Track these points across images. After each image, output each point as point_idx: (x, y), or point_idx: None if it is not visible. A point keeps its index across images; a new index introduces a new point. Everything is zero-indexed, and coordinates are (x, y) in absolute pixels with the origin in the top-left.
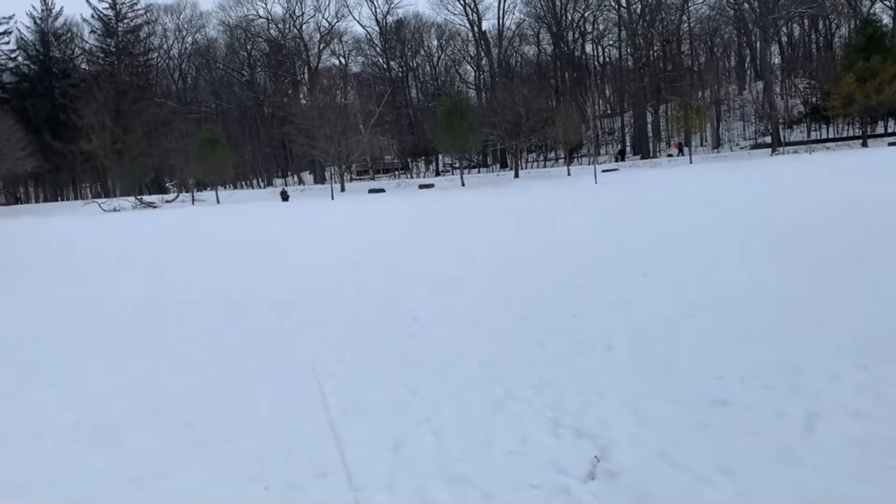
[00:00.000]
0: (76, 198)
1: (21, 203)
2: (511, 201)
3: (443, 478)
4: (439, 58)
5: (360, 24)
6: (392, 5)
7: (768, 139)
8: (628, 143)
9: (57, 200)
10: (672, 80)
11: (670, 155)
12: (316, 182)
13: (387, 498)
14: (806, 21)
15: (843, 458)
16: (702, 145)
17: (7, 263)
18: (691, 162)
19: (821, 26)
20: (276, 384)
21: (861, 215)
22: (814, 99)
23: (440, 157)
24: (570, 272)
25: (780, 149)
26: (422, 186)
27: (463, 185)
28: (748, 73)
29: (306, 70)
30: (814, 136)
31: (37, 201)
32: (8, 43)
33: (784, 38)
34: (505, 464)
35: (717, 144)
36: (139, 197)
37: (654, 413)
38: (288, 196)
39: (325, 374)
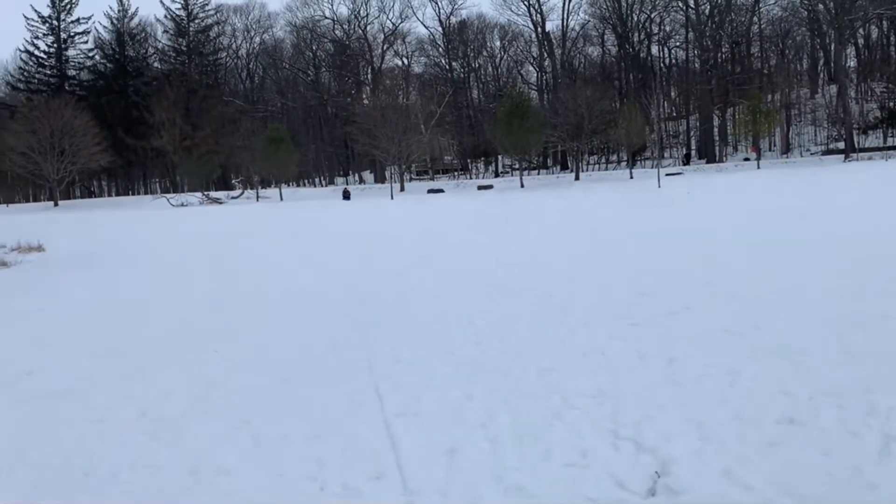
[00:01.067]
0: (146, 192)
1: (95, 196)
2: (571, 204)
3: (499, 486)
4: (502, 58)
5: (424, 25)
6: (455, 6)
7: (841, 145)
8: (693, 147)
9: (128, 195)
10: (740, 82)
11: (747, 159)
12: (376, 181)
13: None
14: (884, 22)
15: None
16: (770, 150)
17: (77, 257)
18: (759, 167)
19: None
20: (333, 383)
21: None
22: (891, 103)
23: (500, 158)
24: (631, 278)
25: (854, 155)
26: (480, 187)
27: (522, 186)
28: (821, 76)
29: (369, 70)
30: (890, 142)
31: (109, 195)
32: (86, 42)
33: (860, 41)
34: (562, 475)
35: (786, 150)
36: (206, 193)
37: (718, 429)
38: (350, 195)
39: (381, 374)
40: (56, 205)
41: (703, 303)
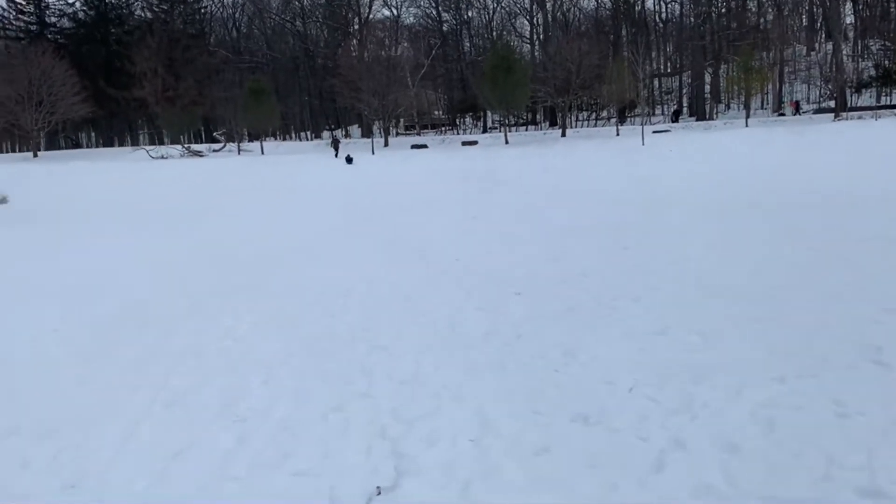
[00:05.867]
0: (132, 144)
1: (79, 147)
2: (548, 162)
3: (198, 499)
4: (495, 10)
5: None
6: None
7: (834, 103)
8: (685, 104)
9: (112, 146)
10: (735, 38)
11: (782, 114)
12: (363, 136)
13: None
14: None
15: None
16: (762, 108)
17: (30, 210)
18: (747, 125)
19: None
20: (137, 363)
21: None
22: (887, 62)
23: (488, 113)
24: (547, 242)
25: (844, 114)
26: (465, 143)
27: (507, 142)
28: (819, 33)
29: (357, 21)
30: (884, 101)
31: (96, 146)
32: None
33: None
34: (278, 487)
35: (778, 107)
36: (186, 145)
37: (500, 428)
38: (351, 159)
39: (211, 355)
40: (35, 156)
41: (602, 270)
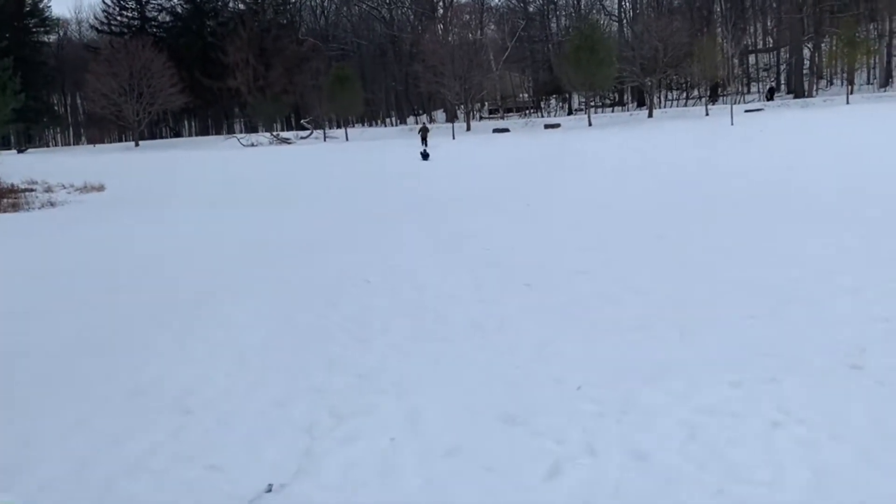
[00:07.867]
0: (227, 132)
1: (179, 136)
2: (626, 144)
3: None
4: None
5: None
6: None
7: None
8: (783, 81)
9: (208, 134)
10: (837, 10)
11: None
12: (448, 121)
13: None
14: None
15: None
16: (869, 83)
17: (123, 198)
18: (848, 102)
19: None
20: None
21: None
22: None
23: (574, 95)
24: (588, 233)
25: None
26: (547, 126)
27: (590, 125)
28: None
29: (442, 5)
30: None
31: (195, 135)
32: None
33: None
34: (183, 481)
35: (885, 83)
36: (275, 133)
37: (426, 427)
38: (427, 155)
39: (195, 344)
40: (137, 145)
41: (625, 261)
